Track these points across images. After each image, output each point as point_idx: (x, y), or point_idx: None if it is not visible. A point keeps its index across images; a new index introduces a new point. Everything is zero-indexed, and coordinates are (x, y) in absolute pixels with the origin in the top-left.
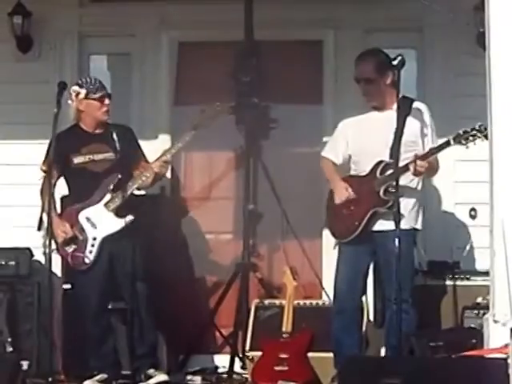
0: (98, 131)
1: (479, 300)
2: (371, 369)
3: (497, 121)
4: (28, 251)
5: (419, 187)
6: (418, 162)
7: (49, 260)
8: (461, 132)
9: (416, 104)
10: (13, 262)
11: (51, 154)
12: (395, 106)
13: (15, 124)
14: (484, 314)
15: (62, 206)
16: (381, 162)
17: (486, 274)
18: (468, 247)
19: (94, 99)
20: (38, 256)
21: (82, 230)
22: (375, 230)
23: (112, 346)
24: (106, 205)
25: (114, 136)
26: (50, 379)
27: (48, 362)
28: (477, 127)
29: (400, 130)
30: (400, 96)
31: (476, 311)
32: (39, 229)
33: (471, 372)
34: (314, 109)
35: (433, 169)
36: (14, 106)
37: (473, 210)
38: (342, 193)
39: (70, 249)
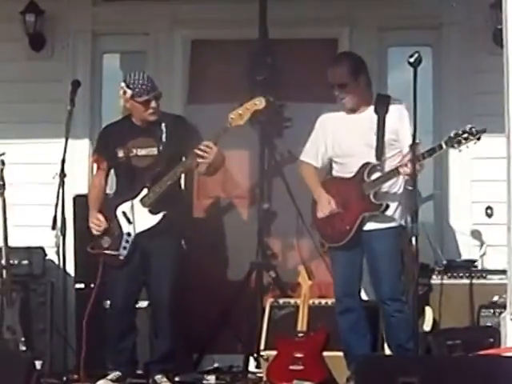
0: (146, 125)
1: (496, 299)
2: (388, 368)
3: None
4: (41, 250)
5: (401, 190)
6: (410, 165)
7: (63, 259)
8: (452, 135)
9: (393, 101)
10: (26, 262)
11: (99, 144)
12: (372, 105)
13: (28, 123)
14: (500, 312)
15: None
16: (367, 164)
17: (503, 272)
18: (484, 246)
19: (139, 102)
20: (52, 255)
21: (118, 225)
22: (362, 229)
23: (132, 343)
24: (141, 200)
25: (163, 127)
26: (64, 378)
27: (61, 362)
28: (467, 129)
29: (381, 130)
30: (376, 94)
31: (492, 310)
32: (53, 227)
33: (489, 371)
34: (329, 107)
35: (420, 170)
36: (27, 104)
37: (489, 208)
38: (326, 207)
39: (105, 243)
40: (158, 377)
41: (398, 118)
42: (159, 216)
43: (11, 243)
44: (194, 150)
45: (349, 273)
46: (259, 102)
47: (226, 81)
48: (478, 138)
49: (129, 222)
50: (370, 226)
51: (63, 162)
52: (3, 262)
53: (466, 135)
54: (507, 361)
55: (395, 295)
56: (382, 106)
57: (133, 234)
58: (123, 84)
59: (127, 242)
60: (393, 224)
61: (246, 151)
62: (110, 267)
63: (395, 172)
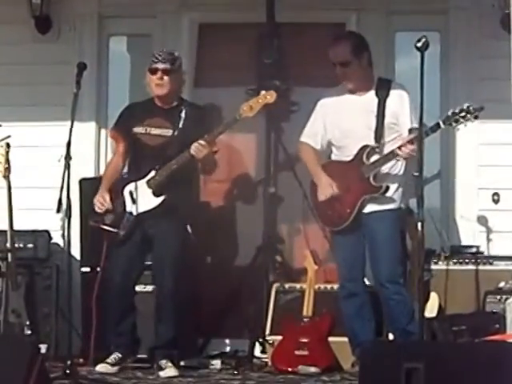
0: (167, 106)
1: (501, 285)
2: (393, 353)
3: None
4: (46, 234)
5: (401, 172)
6: (409, 147)
7: (68, 243)
8: (450, 114)
9: (394, 85)
10: (31, 245)
11: (119, 120)
12: (373, 89)
13: (34, 105)
14: (506, 298)
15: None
16: (366, 146)
17: (509, 258)
18: (490, 232)
19: (149, 70)
20: (57, 238)
21: (123, 204)
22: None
23: (131, 324)
24: (148, 181)
25: (182, 114)
26: (68, 362)
27: (66, 346)
28: (465, 107)
29: (382, 113)
30: (377, 78)
31: (498, 296)
32: (58, 211)
33: (494, 356)
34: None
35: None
36: (33, 87)
37: (495, 194)
38: (327, 189)
39: (107, 220)
40: (162, 362)
41: (399, 101)
42: (159, 199)
43: (16, 226)
44: (191, 144)
45: (351, 257)
46: (270, 96)
47: (233, 64)
48: (476, 117)
49: (133, 201)
50: (369, 208)
51: (69, 144)
52: (8, 245)
53: (463, 113)
54: None
55: (394, 278)
56: (383, 89)
57: (134, 214)
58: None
59: (128, 221)
60: (392, 206)
61: (253, 135)
62: (110, 245)
63: (394, 154)
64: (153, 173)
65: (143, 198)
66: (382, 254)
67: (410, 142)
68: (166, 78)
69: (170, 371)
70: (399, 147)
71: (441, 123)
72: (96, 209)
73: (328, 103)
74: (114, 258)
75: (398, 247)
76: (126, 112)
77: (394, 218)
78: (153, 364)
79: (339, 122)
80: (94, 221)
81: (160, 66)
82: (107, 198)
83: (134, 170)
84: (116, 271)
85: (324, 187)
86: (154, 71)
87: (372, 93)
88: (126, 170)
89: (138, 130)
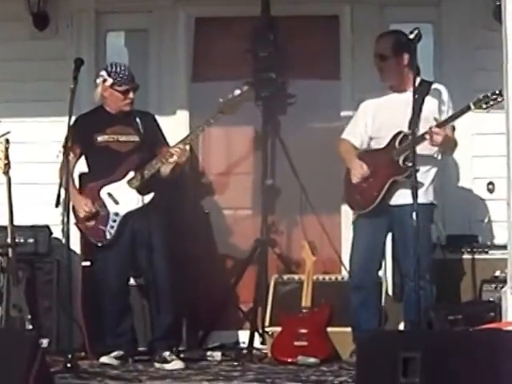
0: (120, 114)
1: (497, 273)
2: (390, 343)
3: None
4: (47, 229)
5: (439, 158)
6: (435, 130)
7: (67, 237)
8: (481, 97)
9: (435, 85)
10: (32, 240)
11: (74, 132)
12: (413, 89)
13: (32, 101)
14: (502, 287)
15: (80, 184)
16: (399, 132)
17: (504, 247)
18: (486, 221)
19: (118, 91)
20: (57, 233)
21: (104, 205)
22: (393, 204)
23: (130, 324)
24: (129, 182)
25: (137, 120)
26: (69, 356)
27: (67, 340)
28: (497, 91)
29: (418, 106)
30: (420, 78)
31: (494, 285)
32: (57, 205)
33: (489, 345)
34: (332, 84)
35: (450, 140)
36: (31, 83)
37: (490, 183)
38: (358, 171)
39: (90, 223)
40: (166, 354)
41: (438, 99)
42: (149, 197)
43: (16, 222)
44: (171, 149)
45: (369, 247)
46: (247, 92)
47: (230, 58)
48: None
49: (115, 202)
50: (401, 200)
51: (67, 139)
52: (9, 240)
53: (494, 97)
54: (508, 335)
55: (421, 272)
56: (423, 88)
57: (121, 214)
58: (103, 72)
59: (114, 221)
60: (423, 200)
61: (250, 128)
62: (98, 248)
63: (422, 138)
64: (131, 173)
65: (127, 197)
66: (410, 248)
67: (438, 125)
68: (133, 95)
69: (176, 364)
70: (426, 132)
71: (471, 105)
72: (82, 214)
73: (369, 104)
74: (105, 259)
75: (427, 242)
76: (80, 123)
77: (426, 212)
78: (154, 356)
79: (378, 118)
80: (80, 225)
81: (130, 85)
82: (89, 202)
83: (104, 174)
84: (110, 273)
85: (355, 169)
86: (126, 92)
87: (411, 91)
88: (93, 174)
89: (104, 138)
